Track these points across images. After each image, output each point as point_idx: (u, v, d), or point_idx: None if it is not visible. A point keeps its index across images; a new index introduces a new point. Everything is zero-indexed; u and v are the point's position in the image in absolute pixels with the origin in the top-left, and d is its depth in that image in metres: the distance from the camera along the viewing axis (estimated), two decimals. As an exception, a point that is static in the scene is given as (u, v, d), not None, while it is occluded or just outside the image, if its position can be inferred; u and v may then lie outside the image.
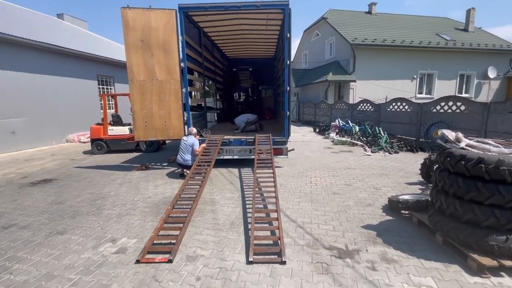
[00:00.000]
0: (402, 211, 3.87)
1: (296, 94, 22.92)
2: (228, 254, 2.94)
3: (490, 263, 2.49)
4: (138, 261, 2.78)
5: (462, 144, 2.93)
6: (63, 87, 11.52)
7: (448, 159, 2.81)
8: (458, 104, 8.38)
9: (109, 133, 9.08)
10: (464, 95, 18.72)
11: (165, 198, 4.72)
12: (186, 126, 6.51)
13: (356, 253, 2.92)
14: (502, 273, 2.53)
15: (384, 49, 17.56)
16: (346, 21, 19.65)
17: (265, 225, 3.61)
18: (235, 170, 6.49)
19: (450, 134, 3.12)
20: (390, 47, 17.48)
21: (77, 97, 12.17)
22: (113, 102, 11.66)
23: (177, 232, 3.25)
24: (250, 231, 3.24)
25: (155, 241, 3.11)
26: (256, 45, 11.03)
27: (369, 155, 8.21)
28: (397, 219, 3.74)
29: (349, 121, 12.20)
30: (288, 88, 6.38)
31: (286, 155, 6.71)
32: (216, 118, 11.71)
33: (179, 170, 6.22)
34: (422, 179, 5.37)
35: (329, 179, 5.70)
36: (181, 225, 3.38)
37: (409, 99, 10.78)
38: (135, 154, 8.93)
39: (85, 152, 9.42)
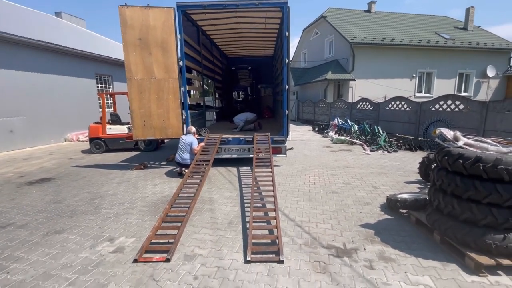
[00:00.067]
0: (400, 210, 3.88)
1: (295, 93, 22.89)
2: (226, 253, 2.94)
3: (487, 261, 2.49)
4: (135, 260, 2.78)
5: (460, 143, 2.93)
6: (61, 85, 11.49)
7: (446, 158, 2.80)
8: (457, 103, 8.39)
9: (107, 132, 9.05)
10: (463, 94, 18.73)
11: (163, 197, 4.71)
12: (184, 125, 6.50)
13: (354, 252, 2.92)
14: (500, 272, 2.54)
15: (383, 48, 17.54)
16: (345, 19, 19.62)
17: (263, 224, 3.61)
18: (234, 169, 6.48)
19: (448, 133, 3.12)
20: (389, 45, 17.46)
21: (76, 96, 12.14)
22: (111, 101, 11.63)
23: (175, 231, 3.24)
24: (248, 230, 3.23)
25: (153, 240, 3.11)
26: (255, 44, 11.01)
27: (368, 154, 8.21)
28: (395, 218, 3.75)
29: (348, 120, 12.19)
30: (287, 86, 6.37)
31: (285, 154, 6.71)
32: (215, 117, 11.69)
33: (178, 169, 6.21)
34: (421, 178, 5.38)
35: (327, 178, 5.70)
36: (179, 224, 3.38)
37: (408, 98, 10.78)
38: (133, 153, 8.92)
39: (83, 151, 9.40)
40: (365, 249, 2.98)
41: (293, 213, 3.95)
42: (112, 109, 10.17)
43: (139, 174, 6.30)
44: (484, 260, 2.51)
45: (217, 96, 12.94)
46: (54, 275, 2.60)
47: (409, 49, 17.81)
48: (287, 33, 6.09)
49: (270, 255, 2.85)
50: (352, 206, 4.18)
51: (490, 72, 18.98)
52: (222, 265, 2.73)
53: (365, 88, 17.32)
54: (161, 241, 3.14)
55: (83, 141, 11.57)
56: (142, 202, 4.50)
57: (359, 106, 12.96)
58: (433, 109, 9.03)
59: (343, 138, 10.51)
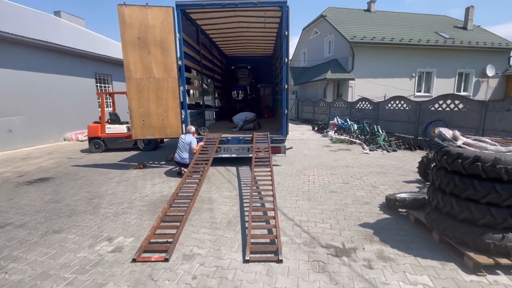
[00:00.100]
0: (399, 209, 3.88)
1: (295, 92, 22.88)
2: (225, 252, 2.94)
3: (486, 261, 2.49)
4: (134, 260, 2.77)
5: (459, 142, 2.93)
6: (61, 85, 11.46)
7: (445, 157, 2.80)
8: (456, 102, 8.39)
9: (106, 132, 9.04)
10: (462, 93, 18.73)
11: (162, 197, 4.70)
12: (183, 124, 6.49)
13: (353, 252, 2.92)
14: (498, 271, 2.54)
15: (383, 47, 17.52)
16: (345, 19, 19.59)
17: (262, 223, 3.61)
18: (233, 169, 6.48)
19: (448, 132, 3.12)
20: (389, 45, 17.45)
21: (75, 95, 12.11)
22: (110, 100, 11.61)
23: (174, 231, 3.24)
24: (247, 230, 3.23)
25: (151, 240, 3.10)
26: (254, 43, 10.99)
27: (367, 153, 8.21)
28: (394, 217, 3.75)
29: (347, 120, 12.19)
30: (286, 86, 6.37)
31: (284, 153, 6.71)
32: (214, 116, 11.69)
33: (177, 168, 6.20)
34: (420, 177, 5.38)
35: (327, 178, 5.70)
36: (178, 223, 3.37)
37: (408, 97, 10.78)
38: (133, 153, 8.91)
39: (82, 151, 9.39)
40: (364, 249, 2.97)
41: (292, 213, 3.95)
42: (111, 109, 10.15)
43: (138, 173, 6.29)
44: (483, 259, 2.51)
45: (216, 95, 12.92)
46: (52, 275, 2.60)
47: (408, 48, 17.80)
48: (286, 32, 6.08)
49: (269, 255, 2.85)
50: (351, 206, 4.18)
51: (490, 71, 18.98)
52: (221, 264, 2.72)
53: (365, 88, 17.31)
54: (159, 240, 3.13)
55: (82, 141, 11.55)
56: (141, 202, 4.49)
57: (358, 105, 12.96)
58: (433, 108, 9.03)
59: (342, 137, 10.51)
